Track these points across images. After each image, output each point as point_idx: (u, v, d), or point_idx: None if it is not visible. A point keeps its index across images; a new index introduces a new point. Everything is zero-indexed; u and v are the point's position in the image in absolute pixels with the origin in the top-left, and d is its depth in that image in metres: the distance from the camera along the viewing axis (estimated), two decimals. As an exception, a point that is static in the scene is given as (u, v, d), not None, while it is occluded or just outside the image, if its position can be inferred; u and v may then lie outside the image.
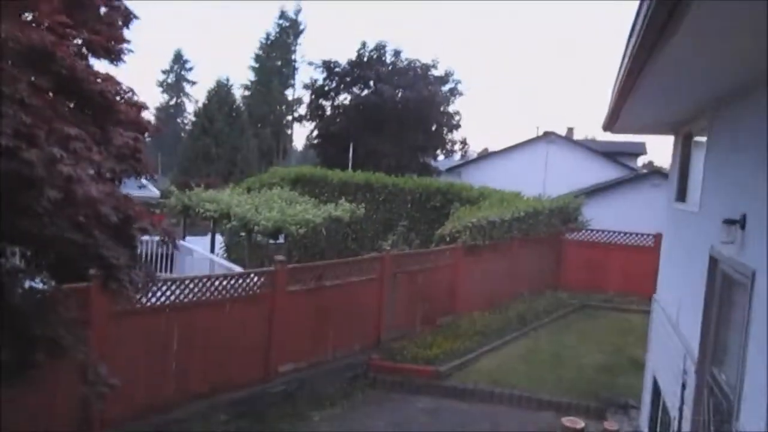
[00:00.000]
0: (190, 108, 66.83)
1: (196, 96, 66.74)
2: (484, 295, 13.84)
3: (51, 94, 3.47)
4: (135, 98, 4.76)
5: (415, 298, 12.16)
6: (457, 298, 13.19)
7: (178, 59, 68.35)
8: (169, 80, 68.93)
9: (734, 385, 3.92)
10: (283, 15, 55.36)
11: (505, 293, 14.56)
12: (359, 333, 10.92)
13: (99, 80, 4.15)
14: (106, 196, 3.32)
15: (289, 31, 55.59)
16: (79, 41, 4.42)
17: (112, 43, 4.76)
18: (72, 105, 3.76)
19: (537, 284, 15.91)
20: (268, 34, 54.84)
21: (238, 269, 12.12)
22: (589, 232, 17.32)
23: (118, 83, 4.59)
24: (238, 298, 8.86)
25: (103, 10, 4.99)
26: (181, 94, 69.54)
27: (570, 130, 35.11)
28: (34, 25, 3.26)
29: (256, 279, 9.23)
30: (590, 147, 29.79)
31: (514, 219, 14.49)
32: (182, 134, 54.39)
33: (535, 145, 28.63)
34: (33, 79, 3.14)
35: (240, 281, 9.02)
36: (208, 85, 76.47)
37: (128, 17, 5.16)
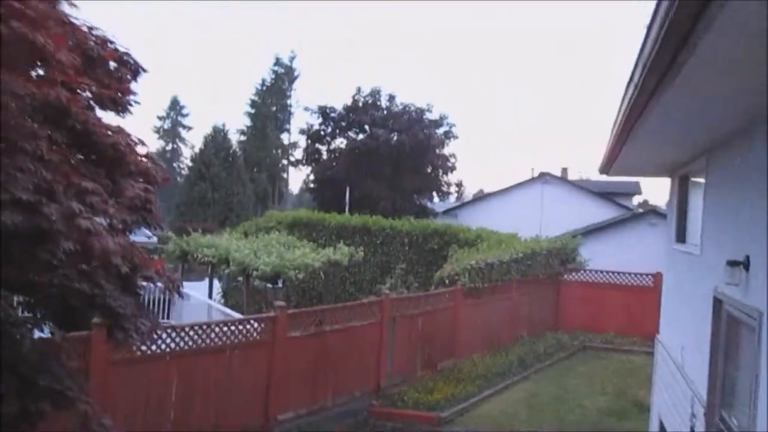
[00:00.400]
0: (186, 153, 67.36)
1: (192, 141, 67.37)
2: (484, 338, 13.74)
3: (64, 147, 3.53)
4: (144, 149, 4.84)
5: (415, 341, 12.07)
6: (458, 341, 13.09)
7: (175, 105, 69.26)
8: (165, 126, 69.67)
9: (746, 429, 3.90)
10: (278, 62, 56.42)
11: (505, 335, 14.47)
12: (359, 378, 10.79)
13: (110, 133, 4.23)
14: (120, 248, 3.35)
15: (284, 77, 56.57)
16: (89, 94, 4.52)
17: (120, 95, 4.86)
18: (84, 157, 3.82)
19: (537, 326, 15.82)
20: (263, 80, 55.74)
21: (236, 315, 12.02)
22: (587, 272, 17.34)
23: (128, 134, 4.66)
24: (239, 344, 8.78)
25: (112, 64, 5.11)
26: (177, 140, 70.20)
27: (564, 170, 35.50)
28: (47, 80, 3.33)
29: (256, 325, 9.17)
30: (585, 187, 30.06)
31: (512, 260, 14.52)
32: (178, 179, 54.62)
33: (531, 186, 28.88)
34: (49, 134, 3.20)
35: (240, 327, 8.95)
36: (204, 130, 77.38)
37: (136, 71, 5.28)
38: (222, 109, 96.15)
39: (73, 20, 3.91)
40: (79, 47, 3.95)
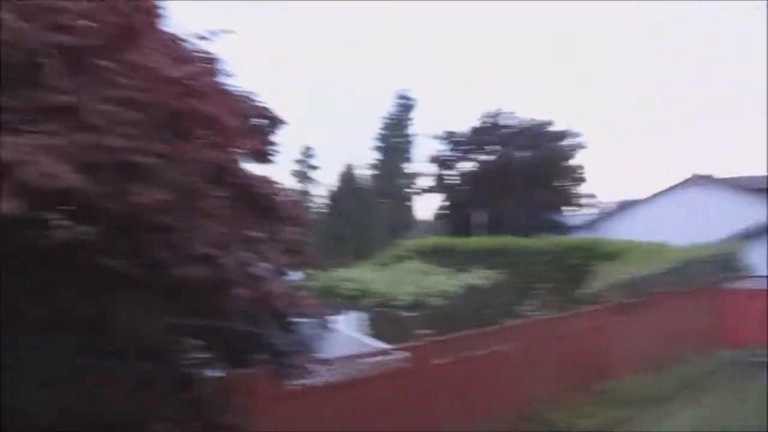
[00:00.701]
0: (316, 191, 70.57)
1: (321, 179, 70.36)
2: (639, 357, 12.82)
3: (227, 201, 3.90)
4: (290, 195, 5.20)
5: (563, 363, 11.54)
6: (609, 361, 12.33)
7: (307, 151, 73.14)
8: (299, 169, 73.76)
9: None
10: (400, 95, 57.81)
11: (663, 353, 13.39)
12: (507, 404, 10.48)
13: (261, 183, 4.61)
14: (281, 290, 3.62)
15: (406, 108, 57.77)
16: (242, 150, 4.96)
17: (264, 147, 5.28)
18: (243, 208, 4.18)
19: (699, 341, 14.48)
20: (388, 114, 57.19)
21: (381, 345, 12.28)
22: (756, 279, 15.55)
23: (275, 182, 5.04)
24: (386, 374, 8.95)
25: (256, 120, 5.57)
26: (308, 179, 73.97)
27: (714, 170, 32.51)
28: (212, 143, 3.72)
29: (401, 354, 9.31)
30: (741, 185, 27.24)
31: (664, 272, 13.50)
32: (312, 217, 57.32)
33: (680, 191, 26.81)
34: (215, 191, 3.57)
35: (386, 357, 9.14)
36: (333, 168, 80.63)
37: (276, 124, 5.70)
38: (350, 145, 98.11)
39: (225, 87, 4.36)
40: (232, 108, 4.37)
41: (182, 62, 3.50)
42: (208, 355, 4.45)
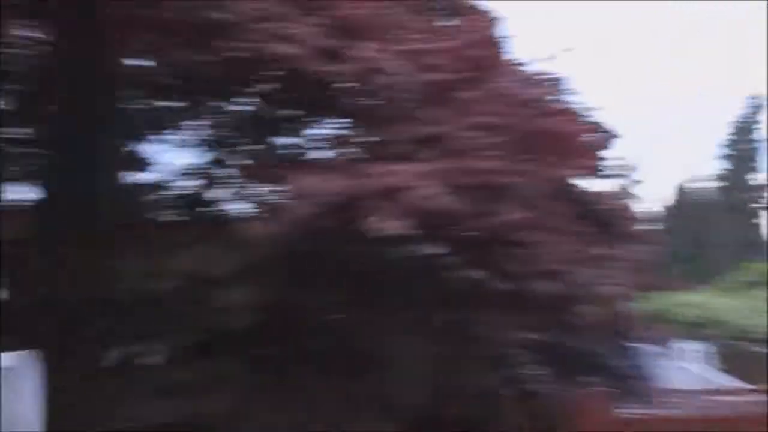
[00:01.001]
0: (650, 206, 65.18)
1: (655, 194, 64.76)
2: None
3: (570, 218, 3.94)
4: (629, 211, 4.96)
5: None
6: None
7: (636, 163, 68.44)
8: (630, 183, 69.30)
9: None
10: (750, 97, 49.70)
11: None
12: None
13: (600, 199, 4.52)
14: (624, 311, 3.51)
15: (756, 110, 49.37)
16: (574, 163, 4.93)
17: (598, 162, 5.15)
18: (583, 225, 4.17)
19: None
20: (737, 119, 49.72)
21: (733, 383, 10.65)
22: None
23: (614, 198, 4.88)
24: (742, 417, 7.72)
25: (591, 135, 5.47)
26: (639, 195, 68.89)
27: None
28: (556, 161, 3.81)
29: (763, 397, 7.95)
30: None
31: None
32: (654, 235, 52.98)
33: None
34: (560, 208, 3.65)
35: (743, 398, 7.90)
36: (669, 181, 73.16)
37: (609, 138, 5.49)
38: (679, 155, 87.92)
39: (566, 105, 4.42)
40: (573, 125, 4.39)
41: (528, 85, 3.69)
42: (546, 371, 4.53)
